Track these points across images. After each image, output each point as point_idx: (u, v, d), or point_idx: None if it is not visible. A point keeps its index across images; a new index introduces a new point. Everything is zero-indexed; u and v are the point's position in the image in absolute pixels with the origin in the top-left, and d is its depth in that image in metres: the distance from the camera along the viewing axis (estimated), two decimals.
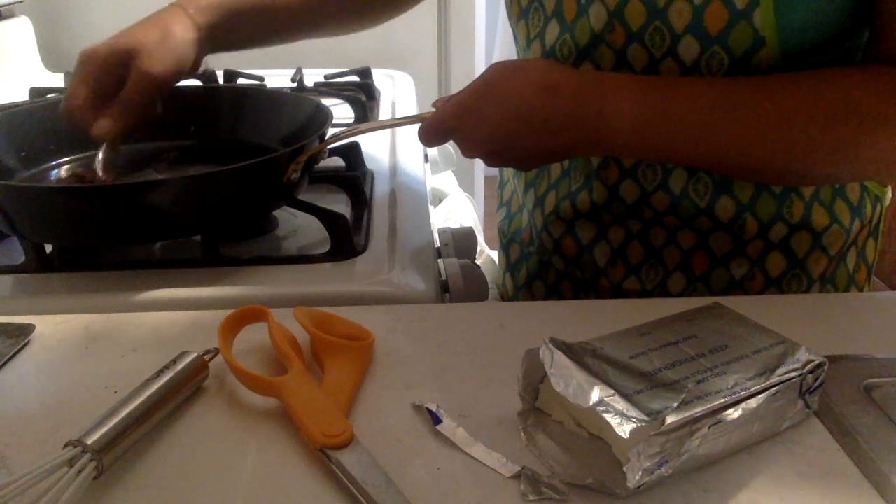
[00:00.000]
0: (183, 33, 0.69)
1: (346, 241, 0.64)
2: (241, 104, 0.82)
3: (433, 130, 0.59)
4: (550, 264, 0.73)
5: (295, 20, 0.80)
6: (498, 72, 0.57)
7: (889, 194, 0.69)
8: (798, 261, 0.65)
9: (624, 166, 0.64)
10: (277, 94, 0.87)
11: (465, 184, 1.52)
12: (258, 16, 0.76)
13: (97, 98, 0.67)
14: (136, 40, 0.67)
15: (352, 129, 0.64)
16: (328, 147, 0.68)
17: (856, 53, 0.58)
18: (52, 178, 0.73)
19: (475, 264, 0.70)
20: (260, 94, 0.85)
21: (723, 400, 0.37)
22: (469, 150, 0.59)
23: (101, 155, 0.68)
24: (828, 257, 0.65)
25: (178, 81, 0.70)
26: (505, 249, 0.82)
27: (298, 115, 0.77)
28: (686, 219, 0.64)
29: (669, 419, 0.35)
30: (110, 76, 0.67)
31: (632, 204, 0.64)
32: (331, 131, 0.69)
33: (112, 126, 0.66)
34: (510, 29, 0.73)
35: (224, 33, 0.74)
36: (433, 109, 0.60)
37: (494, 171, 0.81)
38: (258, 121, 0.80)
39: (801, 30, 0.54)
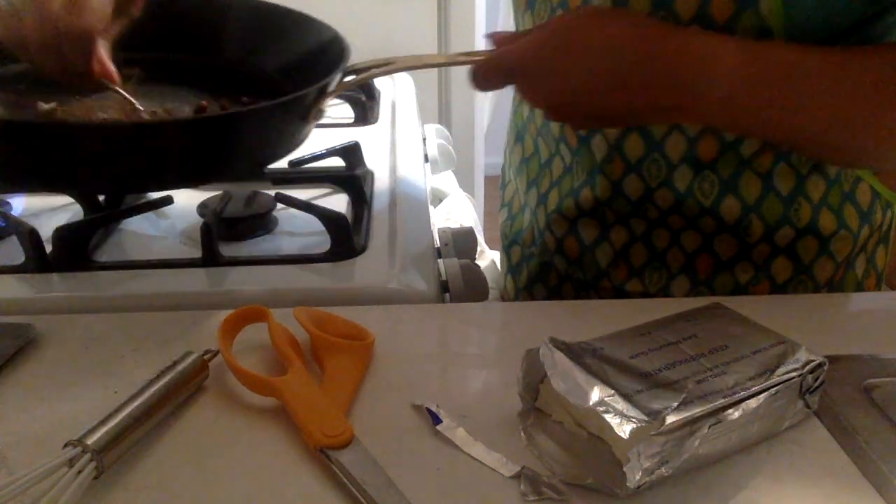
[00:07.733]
0: None
1: (346, 241, 0.64)
2: (224, 14, 0.68)
3: (494, 71, 0.53)
4: (552, 266, 0.72)
5: None
6: (580, 17, 0.51)
7: None
8: (804, 266, 0.63)
9: (629, 161, 0.62)
10: (276, 8, 0.68)
11: (465, 184, 1.51)
12: None
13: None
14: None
15: (389, 64, 0.55)
16: (354, 84, 0.59)
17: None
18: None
19: (475, 264, 0.70)
20: (251, 6, 0.67)
21: (723, 400, 0.37)
22: (532, 99, 0.54)
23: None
24: (835, 263, 0.64)
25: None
26: (506, 251, 0.81)
27: (303, 41, 0.65)
28: (690, 219, 0.62)
29: (669, 419, 0.35)
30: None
31: (636, 201, 0.63)
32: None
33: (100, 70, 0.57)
34: (510, 29, 0.72)
35: None
36: (486, 49, 0.54)
37: (495, 171, 0.80)
38: (246, 38, 0.66)
39: (809, 21, 0.52)
